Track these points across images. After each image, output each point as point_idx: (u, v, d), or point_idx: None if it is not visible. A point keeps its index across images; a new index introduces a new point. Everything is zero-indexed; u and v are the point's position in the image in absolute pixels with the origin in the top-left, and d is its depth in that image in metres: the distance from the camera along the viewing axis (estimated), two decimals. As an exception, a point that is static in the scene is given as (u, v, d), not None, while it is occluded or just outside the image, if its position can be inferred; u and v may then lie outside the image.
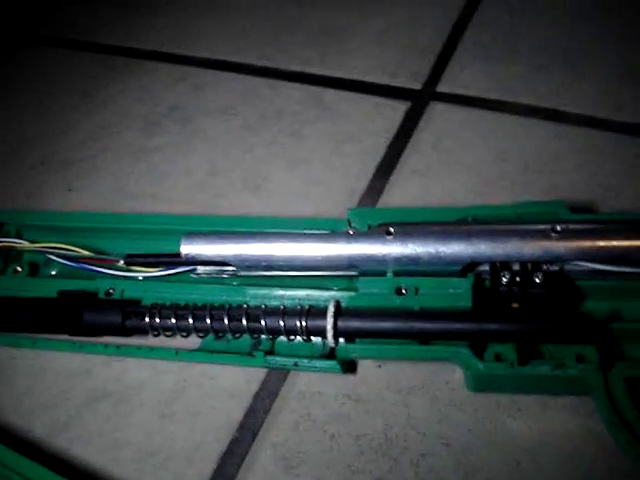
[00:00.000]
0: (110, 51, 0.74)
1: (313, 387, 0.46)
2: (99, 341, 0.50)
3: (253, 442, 0.44)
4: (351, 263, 0.47)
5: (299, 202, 0.56)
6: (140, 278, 0.51)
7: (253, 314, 0.46)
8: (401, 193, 0.55)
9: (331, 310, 0.44)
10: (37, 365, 0.51)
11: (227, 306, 0.47)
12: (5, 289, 0.53)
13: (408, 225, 0.46)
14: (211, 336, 0.48)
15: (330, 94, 0.64)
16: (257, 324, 0.46)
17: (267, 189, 0.58)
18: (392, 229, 0.46)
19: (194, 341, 0.48)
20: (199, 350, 0.48)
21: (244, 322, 0.46)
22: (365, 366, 0.46)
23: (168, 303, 0.49)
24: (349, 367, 0.46)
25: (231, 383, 0.47)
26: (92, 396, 0.48)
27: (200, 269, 0.50)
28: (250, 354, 0.47)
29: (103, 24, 0.76)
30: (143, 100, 0.67)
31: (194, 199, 0.58)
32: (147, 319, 0.47)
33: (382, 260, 0.46)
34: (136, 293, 0.50)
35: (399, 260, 0.46)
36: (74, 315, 0.49)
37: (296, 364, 0.46)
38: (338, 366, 0.45)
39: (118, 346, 0.49)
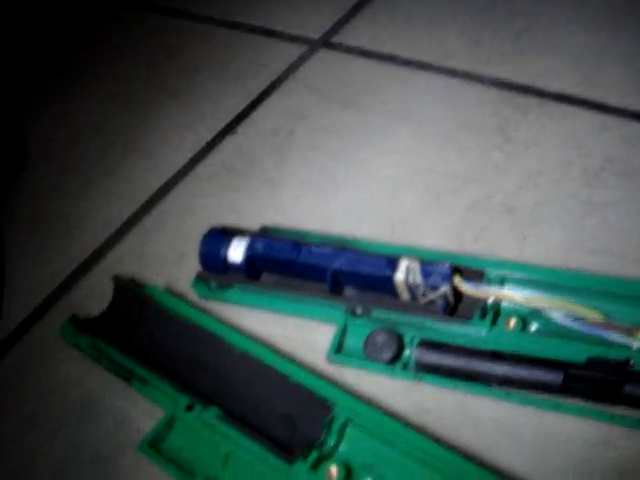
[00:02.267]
0: (509, 87, 0.72)
1: None
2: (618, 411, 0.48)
3: None
4: None
5: None
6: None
7: None
8: None
9: None
10: (547, 428, 0.49)
11: None
12: (499, 342, 0.52)
13: None
14: None
15: None
16: None
17: None
18: None
19: None
20: None
21: None
22: None
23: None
24: None
25: None
26: (622, 468, 0.47)
27: None
28: None
29: (491, 55, 0.76)
30: (570, 147, 0.66)
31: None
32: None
33: None
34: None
35: None
36: (613, 384, 0.47)
37: None
38: None
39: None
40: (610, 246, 0.58)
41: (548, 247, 0.59)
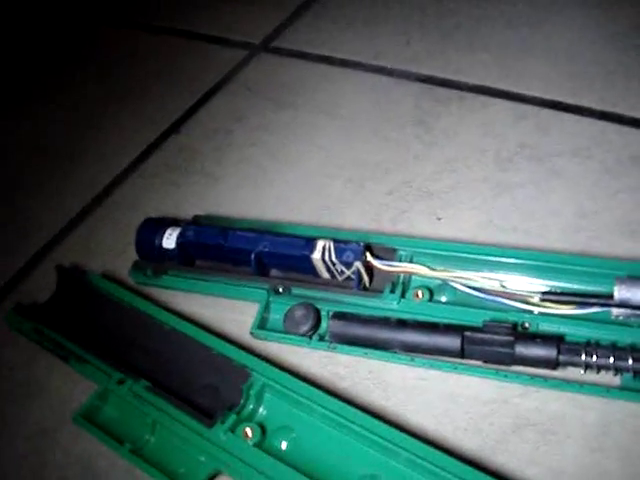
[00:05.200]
0: (432, 82, 0.77)
1: None
2: (512, 370, 0.52)
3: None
4: None
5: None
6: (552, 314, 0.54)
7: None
8: None
9: None
10: (449, 389, 0.53)
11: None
12: (408, 312, 0.56)
13: None
14: (629, 374, 0.50)
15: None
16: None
17: (645, 236, 0.59)
18: None
19: (605, 377, 0.50)
20: (626, 388, 0.50)
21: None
22: None
23: (586, 341, 0.51)
24: None
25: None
26: (515, 424, 0.51)
27: (616, 311, 0.52)
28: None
29: (419, 53, 0.80)
30: (487, 135, 0.70)
31: (570, 239, 0.60)
32: (583, 356, 0.50)
33: None
34: (552, 329, 0.53)
35: None
36: (506, 345, 0.51)
37: None
38: None
39: (534, 377, 0.52)
40: (516, 223, 0.62)
41: (460, 226, 0.63)
